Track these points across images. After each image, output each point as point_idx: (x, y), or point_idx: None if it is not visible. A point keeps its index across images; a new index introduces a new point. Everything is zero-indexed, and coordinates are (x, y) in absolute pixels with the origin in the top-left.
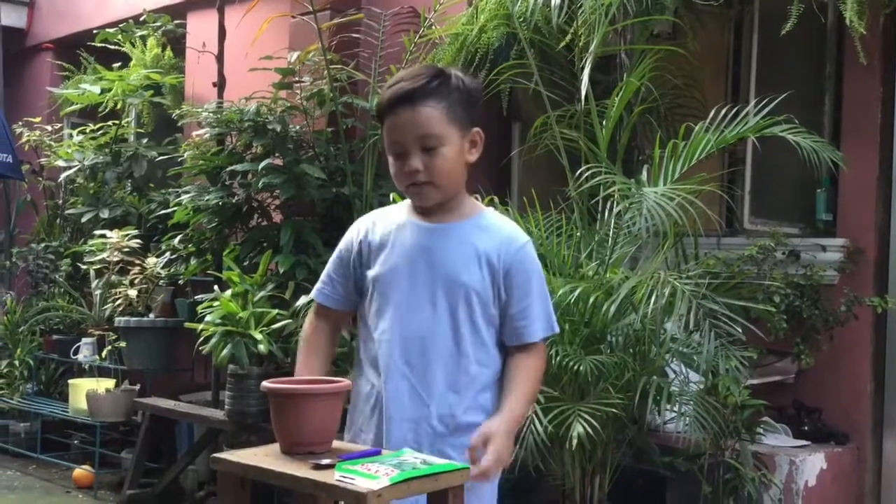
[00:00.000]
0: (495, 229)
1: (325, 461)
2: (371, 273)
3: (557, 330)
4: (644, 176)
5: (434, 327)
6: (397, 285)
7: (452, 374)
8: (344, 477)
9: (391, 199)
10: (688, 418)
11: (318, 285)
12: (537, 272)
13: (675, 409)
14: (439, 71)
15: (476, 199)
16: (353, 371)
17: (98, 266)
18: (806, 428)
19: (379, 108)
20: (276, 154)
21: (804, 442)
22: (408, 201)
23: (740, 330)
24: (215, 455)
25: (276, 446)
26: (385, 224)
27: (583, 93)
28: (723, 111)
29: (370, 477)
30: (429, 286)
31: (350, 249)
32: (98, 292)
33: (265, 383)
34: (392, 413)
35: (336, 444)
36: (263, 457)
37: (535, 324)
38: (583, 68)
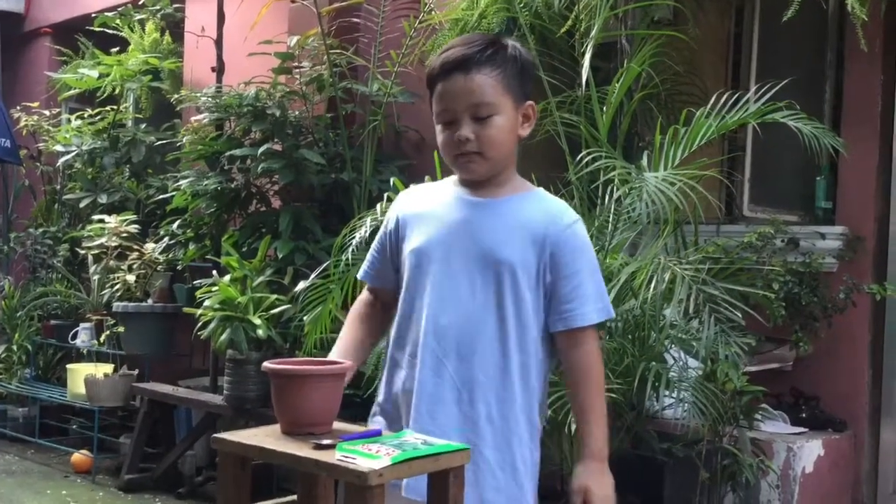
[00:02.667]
0: (544, 205)
1: (326, 441)
2: (407, 246)
3: (612, 314)
4: (644, 161)
5: (472, 306)
6: (434, 259)
7: (492, 361)
8: (345, 457)
9: (391, 184)
10: (686, 404)
11: (363, 265)
12: (588, 251)
13: (674, 395)
14: (495, 39)
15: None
16: (387, 349)
17: (96, 251)
18: (804, 415)
19: (430, 73)
20: (275, 139)
21: (802, 429)
22: (453, 176)
23: (740, 315)
24: (216, 435)
25: (276, 427)
26: (426, 197)
27: (584, 78)
28: (723, 97)
29: (371, 457)
30: (467, 262)
31: (388, 224)
32: (96, 277)
33: (266, 364)
34: (420, 395)
35: (337, 424)
36: (264, 437)
37: (585, 305)
38: (583, 53)
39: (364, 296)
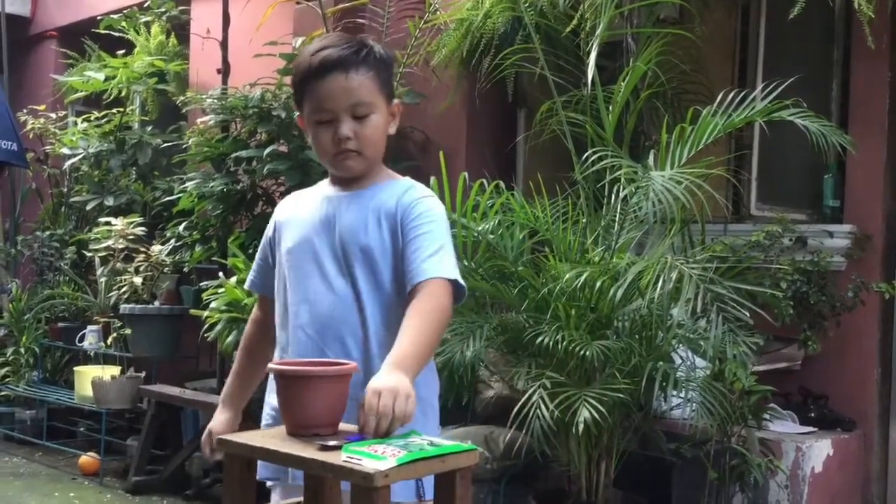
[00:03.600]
0: (400, 188)
1: (332, 442)
2: (280, 249)
3: (454, 276)
4: (651, 160)
5: (335, 296)
6: (300, 256)
7: (365, 340)
8: (351, 458)
9: None
10: (694, 404)
11: (249, 274)
12: (436, 221)
13: (682, 394)
14: (362, 40)
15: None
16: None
17: (103, 254)
18: (812, 414)
19: (305, 73)
20: (281, 140)
21: (810, 428)
22: (325, 181)
23: (748, 314)
24: (222, 437)
25: (281, 428)
26: (299, 201)
27: (589, 77)
28: (730, 95)
29: (377, 458)
30: (329, 254)
31: (267, 232)
32: (103, 280)
33: (271, 364)
34: None
35: (342, 426)
36: (270, 438)
37: (425, 263)
38: (589, 52)
39: (254, 315)
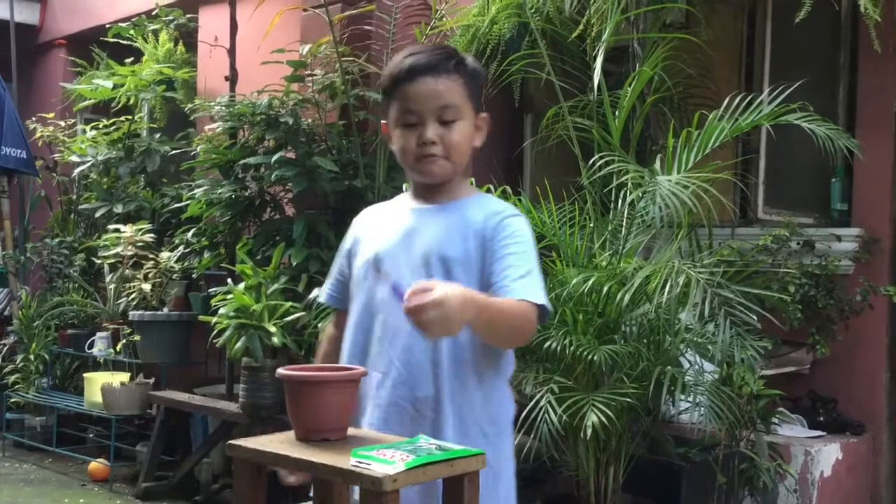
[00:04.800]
0: (486, 204)
1: (341, 447)
2: (357, 261)
3: (543, 302)
4: (658, 165)
5: None
6: (380, 267)
7: (437, 354)
8: (360, 462)
9: (404, 190)
10: (702, 408)
11: (324, 287)
12: (523, 242)
13: (690, 399)
14: (455, 50)
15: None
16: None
17: (112, 261)
18: (821, 418)
19: (394, 77)
20: (289, 147)
21: (819, 432)
22: (405, 194)
23: (755, 318)
24: (231, 442)
25: (291, 434)
26: (379, 213)
27: (595, 82)
28: (736, 100)
29: (386, 462)
30: (410, 265)
31: (344, 246)
32: (112, 287)
33: (280, 370)
34: (375, 399)
35: (351, 431)
36: (279, 444)
37: (516, 283)
38: (595, 58)
39: (329, 332)
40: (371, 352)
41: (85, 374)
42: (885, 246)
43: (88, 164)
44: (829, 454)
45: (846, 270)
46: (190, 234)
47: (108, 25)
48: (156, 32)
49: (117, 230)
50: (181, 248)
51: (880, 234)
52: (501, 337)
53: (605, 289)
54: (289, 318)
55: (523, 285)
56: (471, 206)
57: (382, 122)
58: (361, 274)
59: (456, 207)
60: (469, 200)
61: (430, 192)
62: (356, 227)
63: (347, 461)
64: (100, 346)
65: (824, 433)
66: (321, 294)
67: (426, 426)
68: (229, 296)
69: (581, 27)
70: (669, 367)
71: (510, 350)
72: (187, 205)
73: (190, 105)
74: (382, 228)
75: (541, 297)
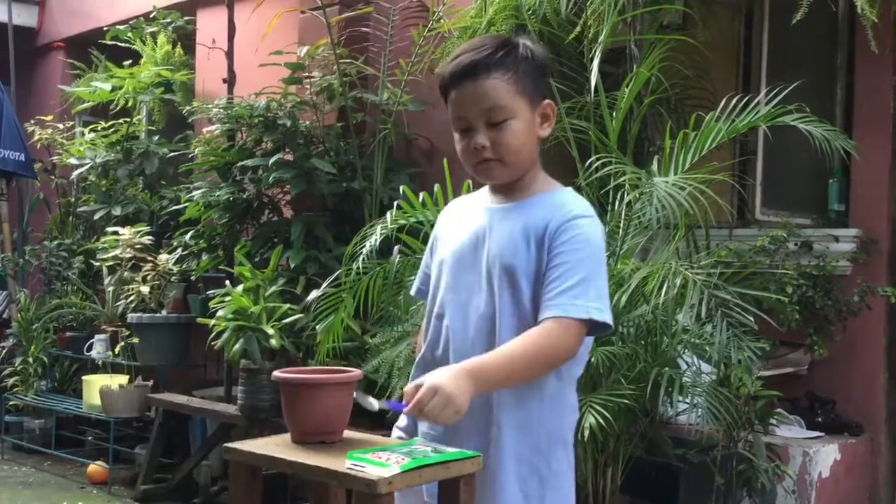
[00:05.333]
0: (555, 201)
1: (337, 450)
2: (435, 259)
3: (598, 318)
4: (655, 166)
5: (481, 315)
6: (452, 270)
7: None
8: (355, 465)
9: (402, 192)
10: (700, 410)
11: (415, 281)
12: (586, 245)
13: (688, 400)
14: (505, 41)
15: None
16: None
17: (110, 263)
18: (819, 419)
19: (442, 82)
20: (287, 149)
21: (818, 433)
22: (487, 187)
23: (752, 319)
24: (227, 445)
25: (287, 436)
26: (460, 208)
27: (592, 83)
28: (733, 101)
29: (381, 465)
30: (477, 271)
31: (432, 240)
32: (111, 289)
33: (276, 373)
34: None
35: (347, 433)
36: (275, 446)
37: (559, 297)
38: (592, 59)
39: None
40: (436, 356)
41: (84, 377)
42: (882, 247)
43: (87, 167)
44: (827, 455)
45: (844, 271)
46: (188, 236)
47: (106, 28)
48: (154, 35)
49: (116, 232)
50: (179, 250)
51: (878, 235)
52: (530, 378)
53: None
54: (287, 320)
55: (567, 300)
56: (539, 206)
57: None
58: (435, 275)
59: (527, 207)
60: (540, 199)
61: (502, 189)
62: (439, 222)
63: (343, 464)
64: (98, 348)
65: (822, 434)
66: (412, 288)
67: (482, 438)
68: (227, 298)
69: (578, 29)
70: (667, 369)
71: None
72: (185, 207)
73: (188, 107)
74: (458, 229)
75: (584, 311)
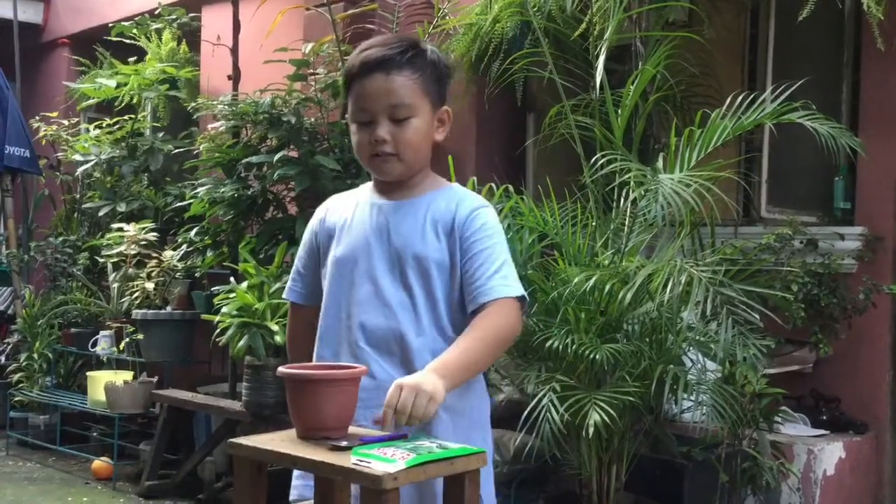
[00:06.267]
0: (454, 197)
1: (344, 443)
2: (330, 256)
3: (521, 293)
4: (660, 163)
5: (392, 306)
6: (355, 266)
7: (420, 354)
8: (360, 461)
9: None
10: (705, 407)
11: (288, 283)
12: (494, 235)
13: (692, 398)
14: (414, 42)
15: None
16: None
17: (115, 259)
18: (824, 417)
19: (349, 72)
20: (291, 146)
21: (822, 431)
22: (369, 183)
23: (758, 317)
24: (232, 440)
25: (292, 432)
26: (343, 206)
27: (597, 81)
28: (739, 98)
29: (387, 461)
30: (385, 264)
31: (312, 238)
32: (115, 285)
33: (281, 368)
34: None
35: (352, 429)
36: (280, 442)
37: (491, 281)
38: (597, 56)
39: (293, 323)
40: (341, 353)
41: (88, 373)
42: (888, 244)
43: (92, 163)
44: (831, 453)
45: (849, 269)
46: (193, 232)
47: (111, 24)
48: (159, 31)
49: (120, 229)
50: (184, 246)
51: (884, 233)
52: (490, 362)
53: (608, 287)
54: None
55: (499, 281)
56: (439, 200)
57: (347, 116)
58: (332, 274)
59: (424, 202)
60: (437, 194)
61: (392, 188)
62: (321, 215)
63: (348, 460)
64: (103, 344)
65: (827, 432)
66: (285, 290)
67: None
68: (232, 294)
69: (583, 26)
70: (672, 366)
71: (518, 333)
72: (190, 203)
73: (193, 104)
74: (353, 225)
75: (518, 289)
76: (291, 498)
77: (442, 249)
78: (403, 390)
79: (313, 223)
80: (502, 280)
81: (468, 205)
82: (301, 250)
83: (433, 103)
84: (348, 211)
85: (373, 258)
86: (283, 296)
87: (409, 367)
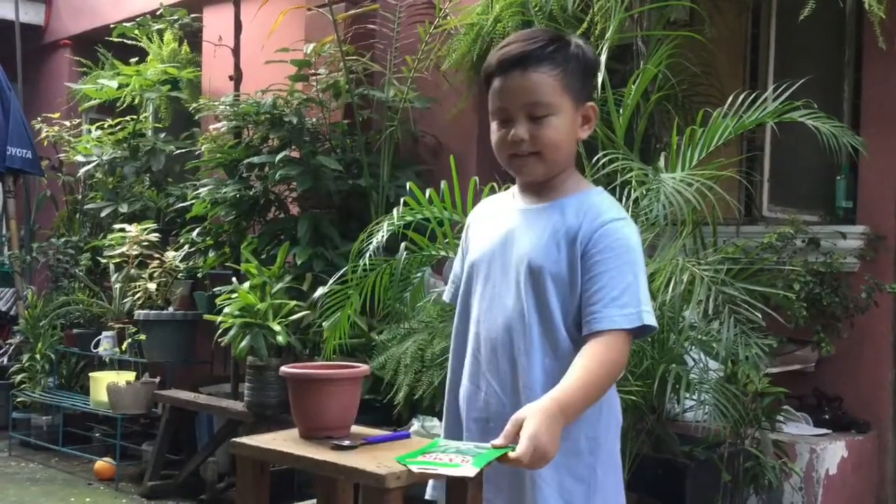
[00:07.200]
0: (588, 203)
1: (346, 443)
2: (467, 260)
3: (648, 322)
4: (662, 163)
5: (507, 317)
6: (481, 271)
7: (527, 370)
8: (427, 468)
9: (408, 189)
10: (707, 406)
11: (447, 286)
12: (625, 251)
13: (695, 397)
14: (557, 36)
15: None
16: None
17: (117, 260)
18: (826, 416)
19: (487, 69)
20: (293, 146)
21: (825, 430)
22: (517, 186)
23: (760, 316)
24: (235, 440)
25: (294, 431)
26: (490, 208)
27: (599, 80)
28: (741, 97)
29: (454, 466)
30: (505, 272)
31: (462, 242)
32: (118, 286)
33: (284, 368)
34: (467, 411)
35: (354, 428)
36: (282, 441)
37: (608, 309)
38: (599, 55)
39: None
40: (466, 362)
41: (90, 374)
42: (890, 244)
43: (94, 164)
44: (834, 452)
45: (851, 268)
46: (195, 233)
47: (112, 25)
48: (160, 32)
49: (122, 229)
50: (186, 247)
51: (886, 232)
52: (600, 397)
53: None
54: (293, 317)
55: (616, 311)
56: (571, 207)
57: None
58: (465, 278)
59: (558, 208)
60: (571, 200)
61: (534, 188)
62: (469, 226)
63: (351, 458)
64: (105, 345)
65: (829, 431)
66: (445, 293)
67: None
68: (234, 295)
69: (585, 25)
70: (674, 365)
71: (626, 365)
72: (192, 204)
73: (195, 104)
74: (489, 230)
75: (633, 320)
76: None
77: (560, 261)
78: (535, 451)
79: (466, 223)
80: (621, 308)
81: (599, 216)
82: (458, 252)
83: (575, 99)
84: (491, 216)
85: (495, 264)
86: (444, 298)
87: (514, 380)
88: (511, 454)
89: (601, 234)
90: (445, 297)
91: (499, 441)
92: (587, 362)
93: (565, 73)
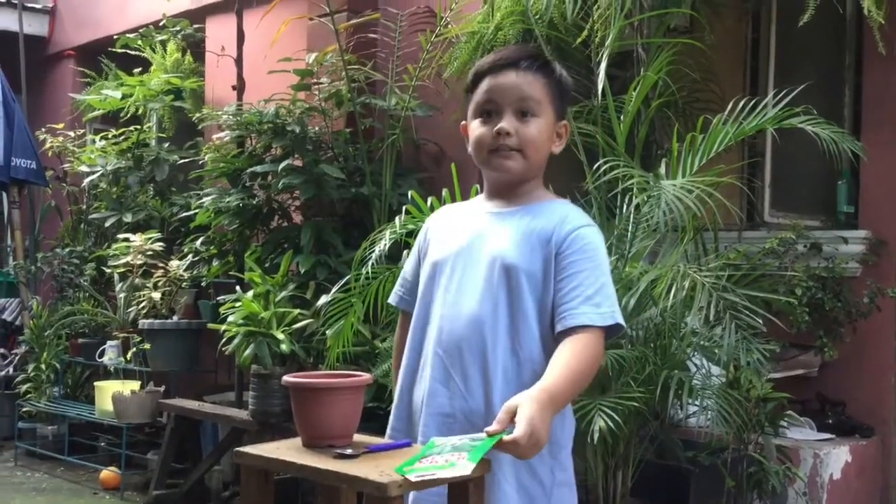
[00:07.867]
0: (559, 211)
1: (348, 452)
2: (427, 260)
3: (619, 321)
4: (662, 169)
5: (476, 314)
6: (446, 269)
7: (492, 367)
8: (422, 475)
9: (410, 197)
10: (710, 412)
11: (394, 288)
12: (595, 255)
13: (698, 403)
14: (543, 55)
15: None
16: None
17: (122, 270)
18: (830, 421)
19: (479, 70)
20: (296, 155)
21: (828, 435)
22: (481, 196)
23: (761, 322)
24: (238, 449)
25: (297, 440)
26: (452, 213)
27: (599, 87)
28: (741, 103)
29: (451, 466)
30: (475, 270)
31: (420, 245)
32: (122, 295)
33: (286, 377)
34: (428, 407)
35: (357, 437)
36: (286, 450)
37: (584, 306)
38: (599, 63)
39: (399, 331)
40: (427, 361)
41: (96, 383)
42: (892, 248)
43: (98, 174)
44: (838, 457)
45: (853, 273)
46: (199, 242)
47: (116, 36)
48: (163, 43)
49: (127, 239)
50: (190, 256)
51: (887, 237)
52: (580, 392)
53: None
54: (297, 326)
55: (592, 309)
56: (543, 213)
57: (462, 122)
58: (426, 276)
59: (528, 212)
60: (543, 206)
61: (503, 193)
62: (428, 226)
63: (353, 467)
64: (110, 354)
65: (833, 436)
66: (391, 295)
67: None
68: (238, 304)
69: (585, 33)
70: (676, 371)
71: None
72: (196, 213)
73: (198, 114)
74: (454, 230)
75: (607, 318)
76: None
77: (533, 261)
78: (530, 440)
79: (423, 229)
80: (595, 307)
81: (571, 222)
82: (410, 256)
83: (555, 112)
84: (458, 218)
85: (464, 263)
86: (389, 300)
87: (478, 376)
88: (507, 437)
89: (575, 238)
90: (391, 301)
91: (493, 427)
92: (569, 357)
93: (551, 86)
